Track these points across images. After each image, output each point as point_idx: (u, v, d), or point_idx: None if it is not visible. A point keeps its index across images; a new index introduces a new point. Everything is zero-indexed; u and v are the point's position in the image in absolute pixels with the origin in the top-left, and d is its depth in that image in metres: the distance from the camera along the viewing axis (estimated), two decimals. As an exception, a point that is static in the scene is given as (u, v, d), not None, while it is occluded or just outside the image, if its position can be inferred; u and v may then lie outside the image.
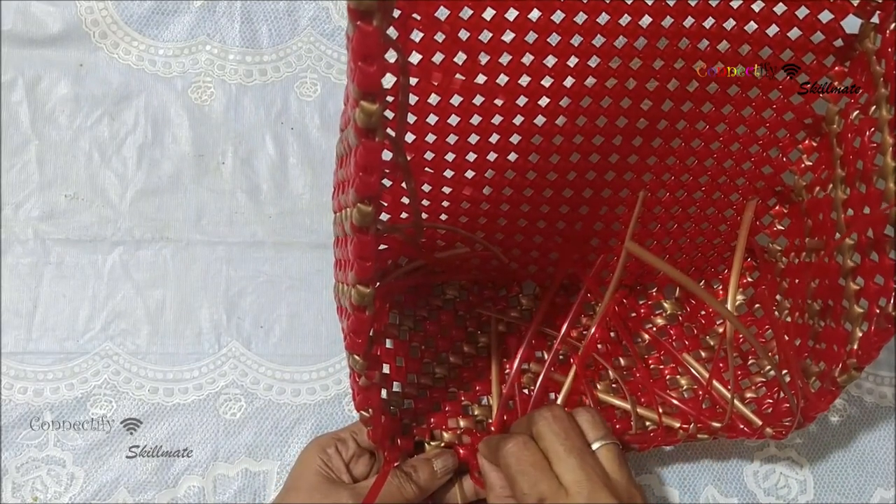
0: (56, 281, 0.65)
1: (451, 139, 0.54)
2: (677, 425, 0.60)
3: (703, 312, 0.67)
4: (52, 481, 0.60)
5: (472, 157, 0.55)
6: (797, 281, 0.60)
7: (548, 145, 0.56)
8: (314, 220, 0.68)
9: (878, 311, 0.48)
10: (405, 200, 0.55)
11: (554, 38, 0.51)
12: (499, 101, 0.52)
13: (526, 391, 0.62)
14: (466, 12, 0.48)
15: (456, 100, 0.52)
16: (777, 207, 0.63)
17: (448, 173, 0.56)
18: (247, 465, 0.62)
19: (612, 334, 0.66)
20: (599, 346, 0.65)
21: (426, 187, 0.57)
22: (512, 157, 0.56)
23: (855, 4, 0.51)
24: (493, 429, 0.59)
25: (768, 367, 0.62)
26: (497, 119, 0.54)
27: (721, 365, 0.63)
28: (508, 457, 0.49)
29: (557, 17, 0.49)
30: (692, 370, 0.64)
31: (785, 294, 0.62)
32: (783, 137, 0.58)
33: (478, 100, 0.52)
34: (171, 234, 0.67)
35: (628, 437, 0.58)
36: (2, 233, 0.65)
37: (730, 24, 0.52)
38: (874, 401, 0.66)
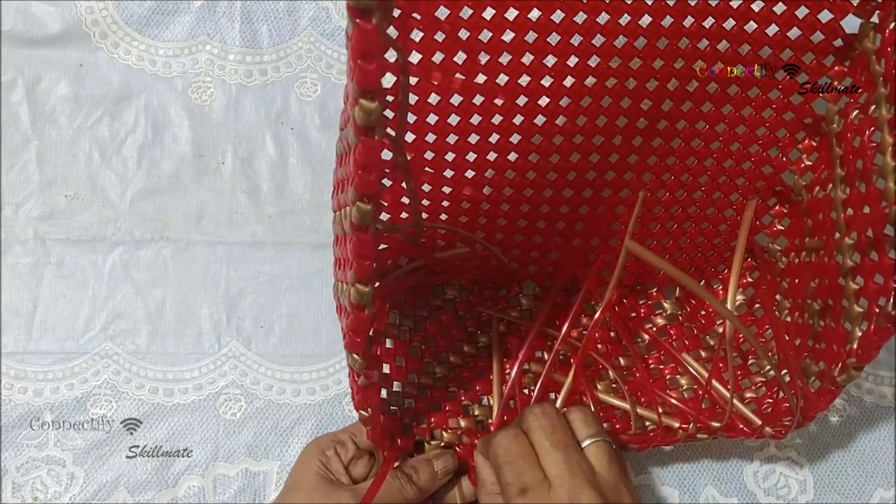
0: (56, 281, 0.65)
1: (451, 139, 0.54)
2: (677, 425, 0.60)
3: (703, 312, 0.67)
4: (52, 481, 0.60)
5: (472, 156, 0.55)
6: (797, 280, 0.60)
7: (548, 145, 0.56)
8: (314, 219, 0.68)
9: (877, 310, 0.48)
10: (405, 200, 0.55)
11: (554, 38, 0.50)
12: (499, 101, 0.52)
13: (526, 391, 0.62)
14: (466, 12, 0.48)
15: (456, 99, 0.52)
16: (777, 207, 0.63)
17: (448, 173, 0.56)
18: (247, 465, 0.62)
19: (612, 334, 0.66)
20: (599, 346, 0.65)
21: (426, 187, 0.57)
22: (512, 156, 0.56)
23: (854, 4, 0.51)
24: (493, 429, 0.59)
25: (768, 367, 0.62)
26: (497, 119, 0.54)
27: (721, 365, 0.63)
28: (497, 447, 0.50)
29: (557, 16, 0.49)
30: (692, 370, 0.64)
31: (785, 294, 0.62)
32: (783, 137, 0.58)
33: (478, 99, 0.52)
34: (171, 234, 0.67)
35: (628, 437, 0.59)
36: (2, 233, 0.66)
37: (729, 23, 0.52)
38: (874, 401, 0.66)
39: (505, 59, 0.51)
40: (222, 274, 0.67)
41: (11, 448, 0.61)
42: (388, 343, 0.61)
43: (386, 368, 0.59)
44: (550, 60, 0.52)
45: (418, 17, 0.46)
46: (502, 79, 0.51)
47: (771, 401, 0.60)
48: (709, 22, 0.52)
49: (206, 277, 0.66)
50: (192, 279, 0.66)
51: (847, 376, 0.50)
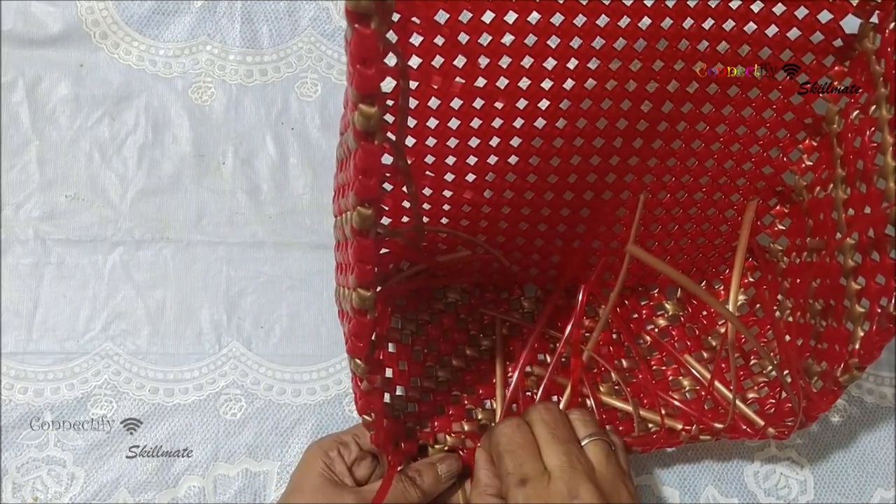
0: (56, 281, 0.65)
1: (452, 143, 0.54)
2: (680, 427, 0.60)
3: (704, 313, 0.67)
4: (52, 481, 0.60)
5: (472, 160, 0.55)
6: (798, 281, 0.60)
7: (548, 148, 0.56)
8: (314, 220, 0.68)
9: (879, 310, 0.48)
10: (406, 204, 0.54)
11: (553, 41, 0.50)
12: (499, 104, 0.52)
13: (529, 394, 0.62)
14: (466, 15, 0.48)
15: (456, 103, 0.52)
16: (778, 207, 0.63)
17: (449, 177, 0.56)
18: (247, 465, 0.62)
19: (614, 336, 0.66)
20: (602, 348, 0.65)
21: (427, 191, 0.57)
22: (512, 160, 0.56)
23: (854, 4, 0.51)
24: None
25: (770, 368, 0.62)
26: (497, 122, 0.53)
27: (723, 365, 0.63)
28: (500, 435, 0.51)
29: (557, 19, 0.49)
30: (694, 371, 0.64)
31: (786, 294, 0.62)
32: (783, 137, 0.58)
33: (478, 103, 0.52)
34: (171, 234, 0.67)
35: (631, 439, 0.59)
36: (2, 233, 0.66)
37: (729, 24, 0.52)
38: (875, 401, 0.66)
39: (505, 62, 0.50)
40: (223, 274, 0.67)
41: (11, 448, 0.61)
42: (391, 347, 0.61)
43: (388, 373, 0.59)
44: (550, 63, 0.51)
45: (417, 22, 0.46)
46: (502, 82, 0.51)
47: (774, 401, 0.60)
48: (708, 23, 0.51)
49: (207, 278, 0.66)
50: (192, 279, 0.66)
51: (849, 377, 0.50)
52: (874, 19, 0.51)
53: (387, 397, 0.58)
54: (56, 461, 0.61)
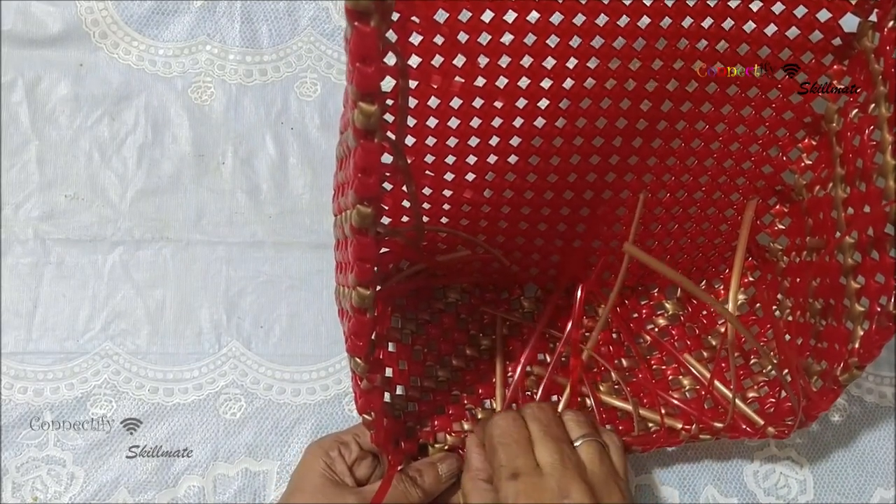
0: (56, 281, 0.65)
1: (452, 142, 0.54)
2: (679, 426, 0.60)
3: (704, 312, 0.67)
4: (52, 481, 0.60)
5: (472, 159, 0.55)
6: (798, 280, 0.60)
7: (548, 147, 0.56)
8: (314, 219, 0.68)
9: (879, 309, 0.48)
10: (406, 204, 0.54)
11: (553, 40, 0.50)
12: (498, 104, 0.52)
13: (529, 394, 0.62)
14: (465, 14, 0.48)
15: (456, 102, 0.52)
16: (777, 206, 0.63)
17: (448, 176, 0.56)
18: (247, 464, 0.62)
19: (613, 335, 0.66)
20: (602, 347, 0.65)
21: (427, 190, 0.57)
22: (512, 159, 0.56)
23: (853, 3, 0.51)
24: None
25: (770, 367, 0.62)
26: (497, 121, 0.53)
27: (723, 365, 0.63)
28: (494, 427, 0.51)
29: (556, 18, 0.49)
30: (694, 371, 0.64)
31: (786, 293, 0.62)
32: (783, 136, 0.58)
33: (477, 102, 0.52)
34: (171, 234, 0.67)
35: (631, 438, 0.59)
36: (2, 233, 0.66)
37: (728, 23, 0.52)
38: (874, 400, 0.66)
39: (504, 61, 0.50)
40: (222, 274, 0.67)
41: (11, 448, 0.61)
42: (391, 347, 0.61)
43: (388, 372, 0.59)
44: (550, 62, 0.51)
45: (417, 21, 0.46)
46: (502, 81, 0.51)
47: (773, 401, 0.60)
48: (707, 22, 0.51)
49: (206, 277, 0.66)
50: (192, 279, 0.66)
51: (849, 375, 0.50)
52: (873, 18, 0.51)
53: (387, 397, 0.58)
54: (56, 461, 0.61)
